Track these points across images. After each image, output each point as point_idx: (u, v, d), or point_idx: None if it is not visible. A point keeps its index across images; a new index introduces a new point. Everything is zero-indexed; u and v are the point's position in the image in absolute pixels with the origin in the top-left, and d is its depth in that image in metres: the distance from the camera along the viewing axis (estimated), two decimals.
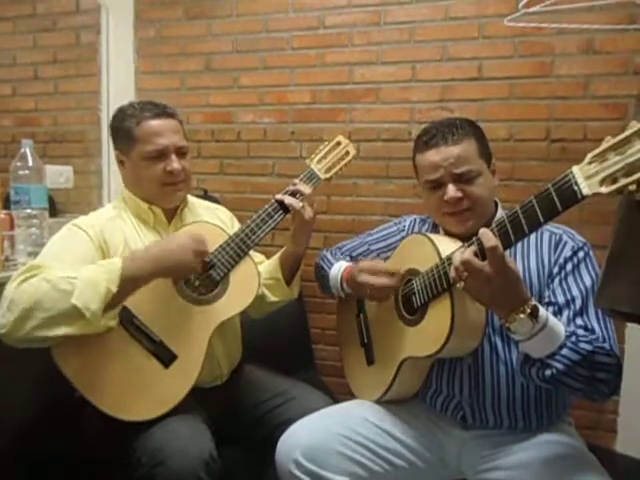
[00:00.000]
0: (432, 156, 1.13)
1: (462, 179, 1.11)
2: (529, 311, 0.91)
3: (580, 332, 0.97)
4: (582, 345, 0.93)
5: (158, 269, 1.13)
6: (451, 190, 1.11)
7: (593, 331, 0.99)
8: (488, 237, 0.89)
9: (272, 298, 1.39)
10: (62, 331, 1.04)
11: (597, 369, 0.94)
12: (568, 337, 0.93)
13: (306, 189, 1.30)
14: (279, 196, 1.30)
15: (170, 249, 1.15)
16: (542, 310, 0.93)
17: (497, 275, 0.88)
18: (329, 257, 1.40)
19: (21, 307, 1.03)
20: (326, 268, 1.36)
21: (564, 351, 0.92)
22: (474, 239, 0.95)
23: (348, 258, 1.39)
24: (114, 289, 1.06)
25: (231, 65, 2.04)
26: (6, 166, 1.48)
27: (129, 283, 1.09)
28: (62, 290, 1.04)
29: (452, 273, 0.96)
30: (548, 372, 0.93)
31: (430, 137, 1.14)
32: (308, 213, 1.29)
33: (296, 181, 1.33)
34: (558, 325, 0.94)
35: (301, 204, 1.28)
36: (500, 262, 0.88)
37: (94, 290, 1.04)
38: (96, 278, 1.06)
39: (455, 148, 1.10)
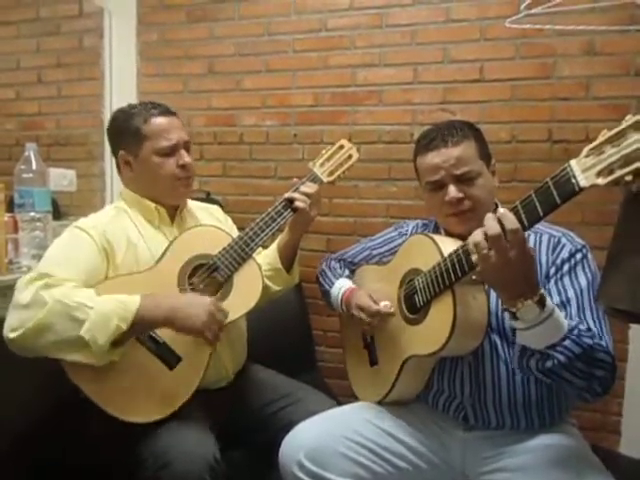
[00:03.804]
0: (432, 158, 1.14)
1: (462, 180, 1.12)
2: (537, 298, 0.89)
3: (582, 327, 0.96)
4: (584, 339, 0.93)
5: (171, 321, 1.13)
6: (452, 191, 1.12)
7: (589, 330, 0.99)
8: (509, 219, 0.86)
9: (275, 288, 1.41)
10: (66, 356, 1.07)
11: (596, 366, 0.94)
12: (571, 330, 0.93)
13: (310, 188, 1.32)
14: (289, 194, 1.32)
15: (189, 305, 1.14)
16: (549, 300, 0.92)
17: (517, 258, 0.86)
18: (328, 274, 1.41)
19: (32, 325, 1.04)
20: (326, 287, 1.38)
21: (566, 342, 0.91)
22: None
23: (347, 271, 1.40)
24: (124, 327, 1.07)
25: (233, 68, 2.05)
26: (10, 169, 1.48)
27: (141, 325, 1.10)
28: (75, 318, 1.05)
29: (471, 245, 0.92)
30: (549, 363, 0.92)
31: (430, 140, 1.15)
32: (314, 212, 1.33)
33: (296, 180, 1.34)
34: (562, 317, 0.94)
35: (309, 201, 1.30)
36: (522, 245, 0.87)
37: (105, 325, 1.05)
38: (110, 313, 1.06)
39: (455, 150, 1.12)
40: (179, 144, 1.29)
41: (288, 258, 1.40)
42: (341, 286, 1.32)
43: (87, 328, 1.04)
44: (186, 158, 1.29)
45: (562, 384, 0.96)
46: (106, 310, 1.07)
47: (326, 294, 1.38)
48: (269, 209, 1.31)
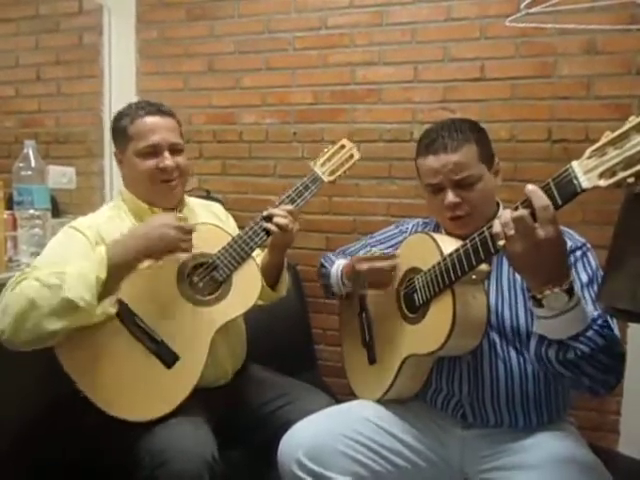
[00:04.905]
0: (432, 162, 1.13)
1: (461, 185, 1.11)
2: (567, 287, 0.86)
3: (602, 319, 0.93)
4: (606, 331, 0.91)
5: (142, 246, 1.12)
6: (450, 196, 1.12)
7: (606, 322, 0.96)
8: (538, 195, 0.82)
9: (258, 302, 1.36)
10: (59, 325, 1.04)
11: (615, 359, 0.92)
12: (594, 320, 0.90)
13: (287, 207, 1.29)
14: (266, 213, 1.29)
15: (152, 226, 1.14)
16: (576, 287, 0.89)
17: (547, 240, 0.82)
18: (332, 257, 1.42)
19: (15, 310, 1.03)
20: (327, 266, 1.39)
21: (589, 333, 0.88)
22: (519, 203, 0.86)
23: (349, 258, 1.40)
24: (103, 276, 1.07)
25: (233, 66, 2.05)
26: (9, 167, 1.48)
27: (118, 267, 1.09)
28: (52, 285, 1.04)
29: (497, 228, 0.87)
30: (570, 354, 0.89)
31: (430, 142, 1.14)
32: (295, 228, 1.29)
33: (276, 201, 1.31)
34: (587, 307, 0.91)
35: (294, 225, 1.28)
36: (553, 225, 0.82)
37: (84, 281, 1.05)
38: (84, 270, 1.06)
39: (454, 155, 1.10)
40: (161, 146, 1.26)
41: (272, 277, 1.39)
42: (340, 263, 1.33)
43: (68, 288, 1.03)
44: (167, 161, 1.26)
45: (580, 377, 0.92)
46: (79, 268, 1.06)
47: (326, 276, 1.38)
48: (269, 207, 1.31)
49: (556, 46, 1.71)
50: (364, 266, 1.20)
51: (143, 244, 1.12)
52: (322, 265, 1.43)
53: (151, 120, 1.27)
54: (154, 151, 1.26)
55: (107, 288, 1.09)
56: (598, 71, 1.68)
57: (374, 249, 1.37)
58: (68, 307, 1.03)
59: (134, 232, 1.15)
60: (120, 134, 1.29)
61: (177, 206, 1.35)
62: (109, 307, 1.11)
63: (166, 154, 1.27)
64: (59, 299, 1.03)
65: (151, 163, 1.26)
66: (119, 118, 1.30)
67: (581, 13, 1.61)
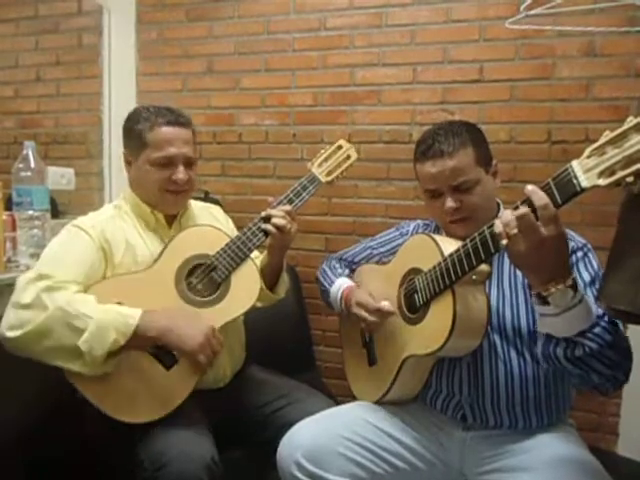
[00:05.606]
0: (429, 168, 1.14)
1: (460, 189, 1.12)
2: (570, 282, 0.86)
3: (607, 316, 0.92)
4: (612, 327, 0.90)
5: (166, 338, 1.13)
6: (448, 201, 1.12)
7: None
8: (538, 195, 0.82)
9: (257, 304, 1.37)
10: (59, 364, 1.07)
11: (623, 354, 0.92)
12: (601, 317, 0.90)
13: (285, 207, 1.29)
14: (264, 213, 1.29)
15: (187, 325, 1.14)
16: (579, 283, 0.89)
17: (550, 238, 0.82)
18: (329, 273, 1.41)
19: (32, 327, 1.04)
20: (326, 285, 1.38)
21: (597, 329, 0.88)
22: (519, 202, 0.86)
23: (347, 271, 1.40)
24: (122, 342, 1.08)
25: (233, 67, 2.05)
26: (8, 168, 1.48)
27: (138, 340, 1.10)
28: (74, 327, 1.05)
29: (499, 228, 0.87)
30: (578, 351, 0.88)
31: (427, 148, 1.14)
32: (294, 229, 1.29)
33: (273, 202, 1.31)
34: (592, 303, 0.91)
35: (292, 226, 1.28)
36: (554, 222, 0.82)
37: (103, 338, 1.06)
38: (109, 326, 1.07)
39: (451, 161, 1.11)
40: (177, 158, 1.25)
41: (271, 279, 1.39)
42: (341, 284, 1.32)
43: (85, 339, 1.05)
44: (180, 174, 1.25)
45: (589, 374, 0.92)
46: (106, 322, 1.07)
47: (325, 293, 1.38)
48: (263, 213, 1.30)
49: (555, 48, 1.71)
50: (358, 312, 1.20)
51: (173, 337, 1.13)
52: (322, 284, 1.41)
53: (170, 131, 1.25)
54: (169, 162, 1.25)
55: (118, 350, 1.09)
56: (597, 73, 1.68)
57: (374, 260, 1.36)
58: (75, 353, 1.06)
59: (171, 319, 1.15)
60: (135, 137, 1.27)
61: (180, 212, 1.35)
62: (110, 367, 1.11)
63: (180, 167, 1.26)
64: (72, 343, 1.05)
65: (164, 174, 1.25)
66: (136, 121, 1.27)
67: (580, 15, 1.61)
